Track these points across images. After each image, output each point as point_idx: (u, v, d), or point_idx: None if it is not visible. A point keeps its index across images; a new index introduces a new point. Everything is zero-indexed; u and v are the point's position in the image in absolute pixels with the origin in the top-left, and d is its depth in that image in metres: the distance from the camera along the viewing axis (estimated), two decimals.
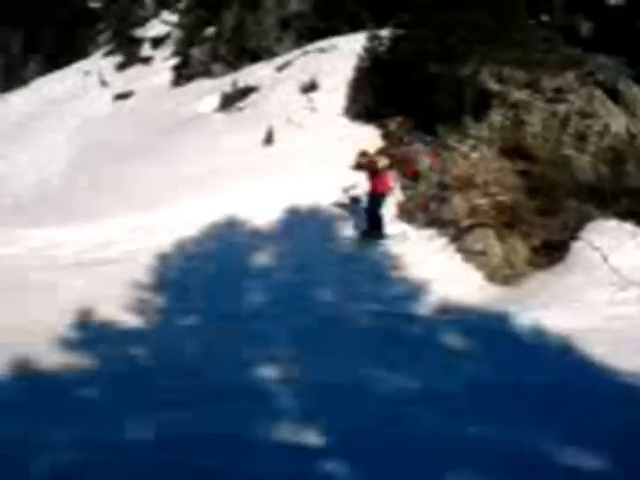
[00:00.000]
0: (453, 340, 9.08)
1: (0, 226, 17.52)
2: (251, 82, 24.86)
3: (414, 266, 12.24)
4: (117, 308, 11.06)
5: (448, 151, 15.12)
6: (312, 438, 5.99)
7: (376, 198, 13.49)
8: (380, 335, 9.39)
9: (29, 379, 7.72)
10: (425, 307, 10.88)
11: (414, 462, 5.63)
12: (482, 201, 12.92)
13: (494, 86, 15.44)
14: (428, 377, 7.65)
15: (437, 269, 12.09)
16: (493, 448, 5.84)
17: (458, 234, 12.80)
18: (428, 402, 6.91)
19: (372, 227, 13.42)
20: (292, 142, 18.85)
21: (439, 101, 16.26)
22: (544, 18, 18.79)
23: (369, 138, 17.61)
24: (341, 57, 22.41)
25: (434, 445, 5.90)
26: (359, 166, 14.11)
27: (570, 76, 14.95)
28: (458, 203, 13.24)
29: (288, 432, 6.11)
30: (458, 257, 12.41)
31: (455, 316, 10.26)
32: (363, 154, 13.95)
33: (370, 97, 19.31)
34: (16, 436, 5.92)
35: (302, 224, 14.36)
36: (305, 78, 22.33)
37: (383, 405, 6.82)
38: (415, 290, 11.42)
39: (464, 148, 14.89)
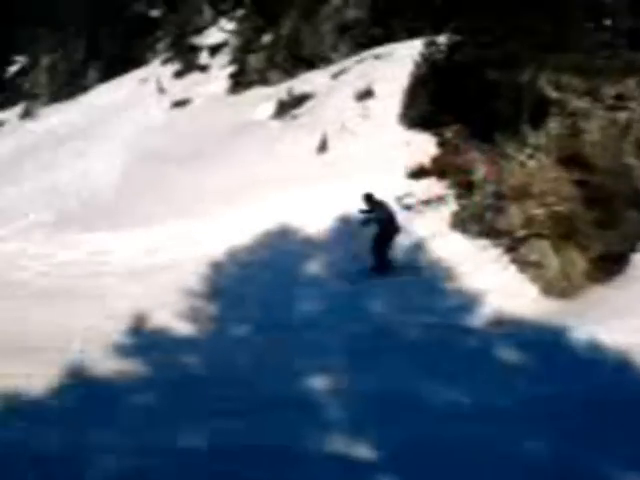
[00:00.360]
0: (508, 354, 8.95)
1: (58, 232, 17.95)
2: (307, 89, 24.93)
3: (468, 277, 12.11)
4: (171, 315, 11.22)
5: (506, 160, 14.90)
6: (362, 451, 5.97)
7: (384, 237, 13.36)
8: (433, 347, 9.32)
9: (85, 385, 7.84)
10: (479, 319, 10.75)
11: (467, 477, 5.54)
12: (538, 211, 12.67)
13: (552, 93, 15.16)
14: (482, 391, 7.55)
15: (491, 280, 11.94)
16: (549, 465, 5.76)
17: (513, 245, 12.60)
18: (482, 416, 6.82)
19: (380, 265, 13.22)
20: (346, 149, 18.84)
21: (497, 108, 16.03)
22: (607, 22, 18.36)
23: (424, 146, 17.51)
24: (397, 64, 22.30)
25: (488, 460, 5.83)
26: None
27: (631, 83, 14.58)
28: (514, 213, 13.02)
29: (339, 444, 6.10)
30: (513, 268, 12.22)
31: (510, 329, 10.11)
32: (368, 197, 13.71)
33: (426, 104, 19.17)
34: (72, 440, 6.03)
35: (355, 232, 14.32)
36: (361, 85, 22.28)
37: (435, 418, 6.76)
38: (469, 302, 11.29)
39: (521, 157, 14.66)
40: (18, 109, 41.31)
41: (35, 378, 7.80)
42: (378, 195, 13.83)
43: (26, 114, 39.08)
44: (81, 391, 7.65)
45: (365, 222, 13.44)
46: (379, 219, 13.30)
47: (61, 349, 9.43)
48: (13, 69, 47.40)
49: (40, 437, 6.05)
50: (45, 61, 42.94)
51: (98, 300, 12.47)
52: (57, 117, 34.99)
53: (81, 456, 5.71)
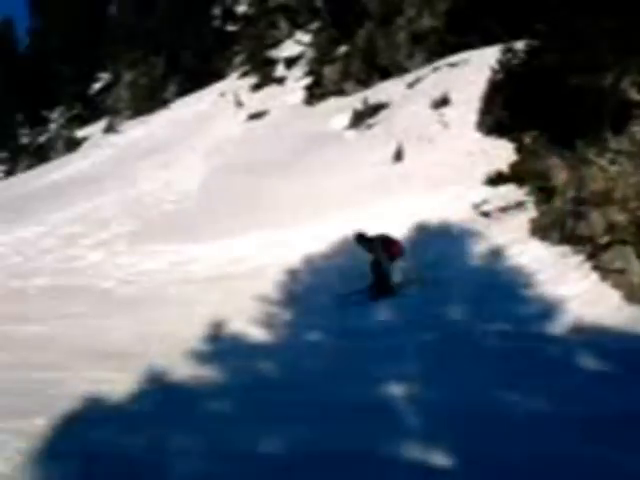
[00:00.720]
0: (590, 362, 8.70)
1: (141, 242, 18.42)
2: (382, 99, 24.97)
3: (547, 284, 11.83)
4: (247, 322, 11.39)
5: (586, 165, 14.54)
6: (440, 459, 5.87)
7: (389, 261, 13.04)
8: (511, 355, 9.13)
9: (164, 391, 8.00)
10: (559, 327, 10.47)
11: None
12: (621, 217, 12.29)
13: (637, 96, 14.75)
14: (563, 400, 7.34)
15: (572, 287, 11.61)
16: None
17: (595, 251, 12.24)
18: (563, 426, 6.62)
19: (381, 288, 12.88)
20: (422, 158, 18.76)
21: (577, 113, 15.68)
22: None
23: (502, 152, 17.28)
24: (473, 71, 22.13)
25: (571, 471, 5.66)
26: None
27: None
28: (595, 219, 12.66)
29: (416, 451, 6.01)
30: (594, 275, 11.84)
31: (592, 337, 9.81)
32: (359, 237, 13.37)
33: (504, 111, 18.92)
34: (153, 444, 6.13)
35: (431, 240, 14.24)
36: (436, 93, 22.19)
37: (513, 427, 6.60)
38: (549, 309, 11.02)
39: (603, 162, 14.28)
40: (102, 124, 42.72)
41: (117, 383, 8.02)
42: (452, 204, 13.73)
43: (109, 128, 40.39)
44: (160, 396, 7.79)
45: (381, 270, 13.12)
46: (376, 258, 13.13)
47: (141, 355, 9.68)
48: (97, 86, 49.10)
49: (124, 440, 6.20)
50: (127, 77, 44.31)
51: (178, 308, 12.73)
52: (139, 131, 36.02)
53: (161, 460, 5.80)
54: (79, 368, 9.17)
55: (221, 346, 10.47)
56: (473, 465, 5.76)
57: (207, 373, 8.71)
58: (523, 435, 6.39)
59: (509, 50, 19.82)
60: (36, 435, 6.18)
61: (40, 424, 6.47)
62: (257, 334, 10.97)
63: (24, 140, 48.91)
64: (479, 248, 13.78)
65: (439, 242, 14.02)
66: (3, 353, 9.94)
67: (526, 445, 6.13)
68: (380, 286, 12.88)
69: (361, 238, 13.36)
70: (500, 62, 19.92)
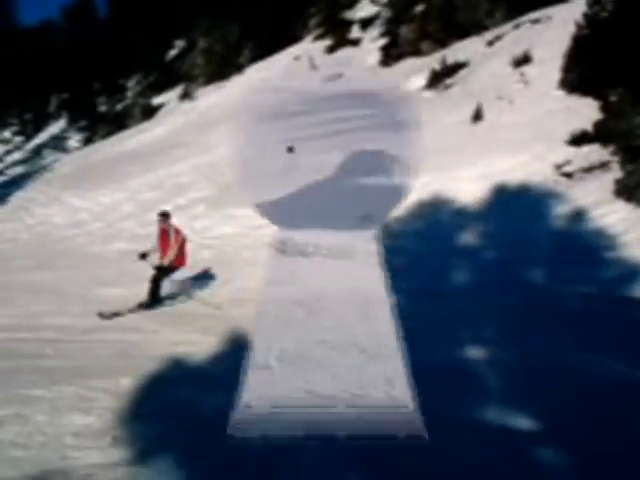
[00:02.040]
0: None
1: (218, 207, 18.60)
2: (460, 58, 24.38)
3: (632, 246, 11.40)
4: None
5: None
6: (522, 422, 5.81)
7: (168, 269, 11.80)
8: (592, 319, 8.90)
9: (246, 352, 8.03)
10: None
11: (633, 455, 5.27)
12: None
13: None
14: None
15: None
16: None
17: None
18: None
19: (153, 297, 11.50)
20: (502, 118, 18.27)
21: None
22: None
23: (586, 111, 16.65)
24: (556, 27, 21.34)
25: None
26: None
27: None
28: None
29: (497, 414, 5.99)
30: None
31: None
32: (164, 214, 12.22)
33: (588, 68, 18.15)
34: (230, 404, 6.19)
35: (511, 202, 13.90)
36: (517, 51, 21.50)
37: (597, 390, 6.47)
38: (632, 272, 10.64)
39: None
40: (177, 91, 43.21)
41: (199, 345, 8.23)
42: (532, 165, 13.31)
43: (185, 95, 40.78)
44: (238, 357, 7.84)
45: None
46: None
47: (222, 318, 9.81)
48: (172, 53, 49.65)
49: (206, 401, 6.33)
50: (202, 44, 44.49)
51: (251, 269, 12.81)
52: (214, 96, 36.23)
53: None
54: (161, 330, 9.42)
55: None
56: (556, 430, 5.65)
57: None
58: (608, 399, 6.25)
59: (596, 2, 18.94)
60: (122, 394, 6.35)
61: (125, 384, 6.65)
62: None
63: (102, 108, 49.97)
64: (561, 209, 13.37)
65: (519, 203, 13.67)
66: (86, 316, 10.21)
67: (610, 410, 5.99)
68: (153, 297, 11.57)
69: (165, 216, 12.25)
70: (586, 16, 19.06)
